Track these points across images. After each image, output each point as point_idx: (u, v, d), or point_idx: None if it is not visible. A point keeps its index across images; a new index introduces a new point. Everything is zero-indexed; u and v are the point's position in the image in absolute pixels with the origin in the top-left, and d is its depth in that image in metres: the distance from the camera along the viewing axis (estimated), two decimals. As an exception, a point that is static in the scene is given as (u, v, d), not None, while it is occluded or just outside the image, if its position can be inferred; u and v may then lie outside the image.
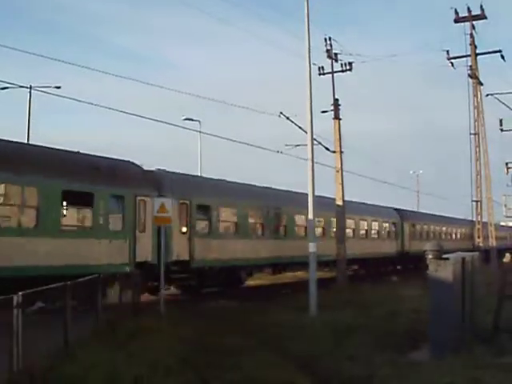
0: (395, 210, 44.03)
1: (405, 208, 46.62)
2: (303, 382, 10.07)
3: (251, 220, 27.08)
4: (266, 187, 29.40)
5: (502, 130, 40.87)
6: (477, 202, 34.99)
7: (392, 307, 18.18)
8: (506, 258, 32.18)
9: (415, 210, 51.35)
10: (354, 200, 35.52)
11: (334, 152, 29.18)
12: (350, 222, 34.27)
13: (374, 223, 39.43)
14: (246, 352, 11.84)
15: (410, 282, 26.86)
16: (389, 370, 10.23)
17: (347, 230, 32.92)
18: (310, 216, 19.88)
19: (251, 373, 10.08)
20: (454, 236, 55.65)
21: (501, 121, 40.78)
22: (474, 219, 53.99)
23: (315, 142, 22.78)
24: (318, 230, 30.55)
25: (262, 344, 13.01)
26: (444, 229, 53.05)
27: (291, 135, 27.58)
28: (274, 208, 28.36)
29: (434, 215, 52.58)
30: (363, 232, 38.05)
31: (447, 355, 10.72)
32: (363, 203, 39.00)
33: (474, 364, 10.22)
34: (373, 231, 39.21)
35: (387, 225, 41.73)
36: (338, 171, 29.17)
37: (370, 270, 37.67)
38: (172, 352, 11.28)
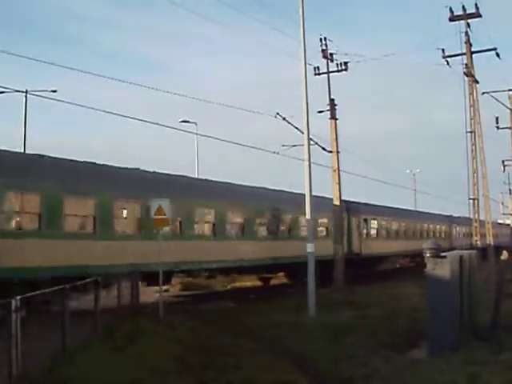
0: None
1: (356, 200, 36.54)
2: (303, 382, 10.08)
3: (70, 212, 17.78)
4: (111, 166, 20.52)
5: (498, 127, 41.05)
6: (474, 200, 34.98)
7: (390, 306, 18.23)
8: (504, 255, 32.21)
9: (375, 202, 40.14)
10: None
11: (331, 152, 29.23)
12: (265, 218, 27.42)
13: (301, 218, 27.87)
14: (245, 353, 11.86)
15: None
16: (388, 369, 10.25)
17: (261, 228, 27.25)
18: (308, 216, 19.88)
19: (250, 373, 10.10)
20: (426, 234, 46.54)
21: (497, 119, 40.97)
22: (453, 215, 53.26)
23: (312, 143, 22.82)
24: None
25: (260, 344, 13.03)
26: (413, 226, 44.96)
27: (288, 136, 27.52)
28: (121, 196, 19.59)
29: (399, 209, 44.14)
30: (283, 228, 28.67)
31: (446, 353, 10.75)
32: (292, 193, 29.31)
33: (472, 361, 10.25)
34: (301, 229, 28.95)
35: (324, 221, 31.84)
36: (334, 171, 29.22)
37: (297, 280, 26.87)
38: (170, 354, 11.29)
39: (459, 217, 54.97)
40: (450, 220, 53.65)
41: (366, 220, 36.91)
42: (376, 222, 38.72)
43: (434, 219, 49.83)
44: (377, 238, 38.43)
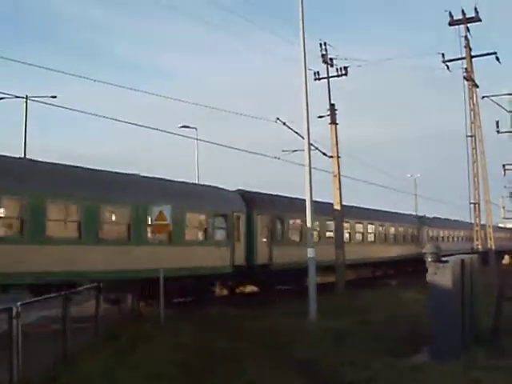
0: (240, 192, 25.78)
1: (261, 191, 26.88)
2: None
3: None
4: None
5: (498, 131, 41.03)
6: (475, 204, 35.02)
7: (391, 311, 18.20)
8: (505, 259, 32.22)
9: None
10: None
11: (331, 157, 29.22)
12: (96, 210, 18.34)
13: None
14: (247, 358, 11.83)
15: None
16: (390, 374, 10.23)
17: (72, 227, 17.84)
18: (309, 224, 19.82)
19: (252, 378, 10.08)
20: (384, 238, 38.19)
21: (497, 122, 40.97)
22: (426, 217, 48.96)
23: (312, 148, 22.81)
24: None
25: (262, 349, 13.00)
26: (360, 228, 35.25)
27: (288, 141, 27.49)
28: None
29: (329, 204, 29.46)
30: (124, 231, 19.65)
31: (448, 358, 10.72)
32: (158, 178, 22.05)
33: (474, 366, 10.23)
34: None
35: (203, 218, 22.78)
36: (335, 176, 29.20)
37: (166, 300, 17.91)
38: (172, 360, 11.27)
39: (437, 218, 50.43)
40: (421, 221, 45.70)
41: (281, 219, 27.58)
42: (299, 221, 28.07)
43: (395, 219, 40.76)
44: (300, 244, 26.85)
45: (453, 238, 50.93)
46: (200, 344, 13.31)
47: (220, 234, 23.45)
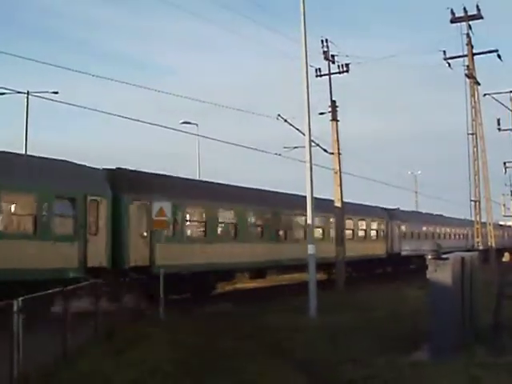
0: (107, 170, 19.57)
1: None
2: (304, 384, 10.05)
3: None
4: None
5: (499, 129, 41.05)
6: (475, 201, 35.00)
7: (391, 308, 18.20)
8: (505, 257, 32.18)
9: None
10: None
11: (332, 154, 29.22)
12: None
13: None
14: (246, 356, 11.83)
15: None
16: (390, 371, 10.22)
17: None
18: (309, 219, 19.81)
19: (251, 377, 10.07)
20: (333, 234, 30.24)
21: (498, 120, 40.97)
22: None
23: (313, 144, 22.80)
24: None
25: (261, 347, 13.00)
26: (302, 221, 26.45)
27: (290, 137, 27.45)
28: None
29: (264, 192, 26.93)
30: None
31: (448, 356, 10.72)
32: None
33: (474, 364, 10.22)
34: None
35: (30, 201, 16.37)
36: (336, 173, 29.19)
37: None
38: (170, 357, 11.27)
39: (416, 212, 47.19)
40: (391, 215, 39.03)
41: (178, 208, 20.95)
42: (202, 211, 22.66)
43: (355, 212, 34.13)
44: (205, 241, 22.57)
45: (433, 234, 44.65)
46: (199, 341, 13.31)
47: (62, 225, 17.14)
